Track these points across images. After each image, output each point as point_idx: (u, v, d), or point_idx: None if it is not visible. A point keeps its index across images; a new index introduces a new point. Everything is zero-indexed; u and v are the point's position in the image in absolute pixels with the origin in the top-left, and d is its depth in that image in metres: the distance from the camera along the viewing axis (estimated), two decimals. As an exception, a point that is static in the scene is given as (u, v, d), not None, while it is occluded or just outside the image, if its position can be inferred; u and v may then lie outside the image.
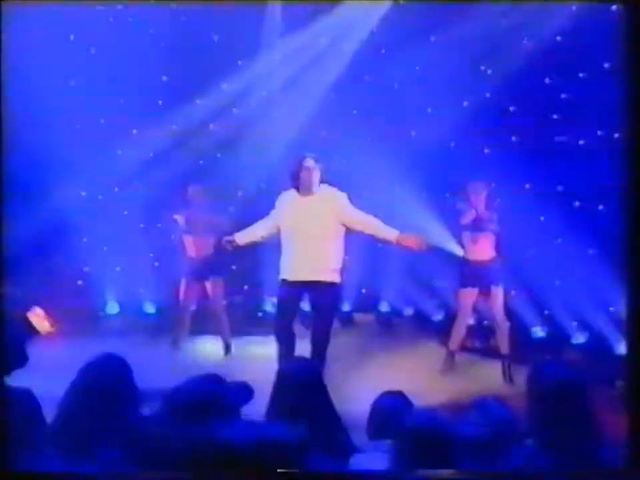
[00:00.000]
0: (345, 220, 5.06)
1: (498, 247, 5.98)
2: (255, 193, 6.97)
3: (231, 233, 5.45)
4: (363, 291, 7.22)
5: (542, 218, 6.40)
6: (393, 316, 7.33)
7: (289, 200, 5.13)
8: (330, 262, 5.07)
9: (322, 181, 5.09)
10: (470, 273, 5.97)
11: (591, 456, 2.50)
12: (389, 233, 5.05)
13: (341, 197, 5.10)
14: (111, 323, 7.13)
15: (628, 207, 5.39)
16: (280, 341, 5.11)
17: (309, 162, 5.05)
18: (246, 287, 7.43)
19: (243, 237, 5.29)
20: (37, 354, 5.31)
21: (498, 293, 5.94)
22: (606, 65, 6.11)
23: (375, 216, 5.12)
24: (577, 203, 6.38)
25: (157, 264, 7.31)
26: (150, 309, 7.36)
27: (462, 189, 5.92)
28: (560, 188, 6.44)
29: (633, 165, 5.59)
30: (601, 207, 6.26)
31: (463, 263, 6.05)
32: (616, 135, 6.08)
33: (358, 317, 7.30)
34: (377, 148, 6.62)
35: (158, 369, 5.26)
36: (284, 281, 5.16)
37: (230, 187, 7.13)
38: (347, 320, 7.07)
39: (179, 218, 6.15)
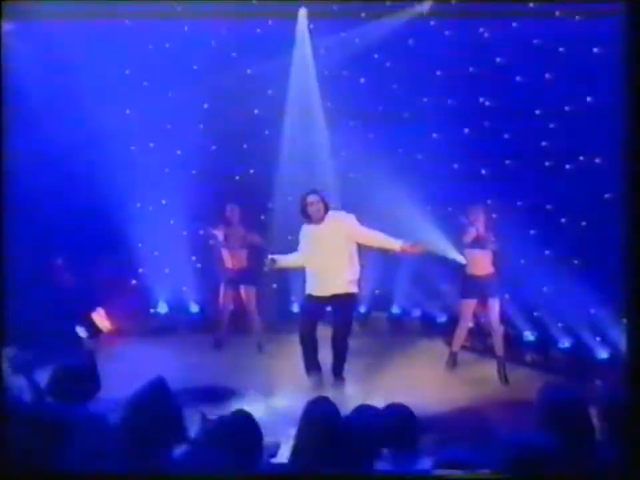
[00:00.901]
0: (355, 237, 5.81)
1: (495, 263, 6.62)
2: (283, 204, 7.74)
3: (262, 249, 6.43)
4: (377, 291, 7.95)
5: (532, 232, 7.17)
6: (402, 317, 8.06)
7: (306, 232, 5.91)
8: (347, 275, 5.78)
9: (329, 208, 5.85)
10: (470, 286, 6.59)
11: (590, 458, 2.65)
12: (393, 244, 5.77)
13: (349, 218, 5.83)
14: (161, 321, 8.00)
15: (609, 222, 6.32)
16: (305, 346, 5.79)
17: (313, 197, 5.80)
18: (275, 286, 8.19)
19: (280, 262, 5.95)
20: (100, 351, 6.40)
21: (494, 303, 6.57)
22: (589, 99, 6.94)
23: (388, 229, 5.89)
24: (562, 220, 7.15)
25: (199, 265, 8.18)
26: (194, 308, 8.25)
27: (464, 211, 6.57)
28: (548, 206, 7.21)
29: (611, 186, 6.51)
30: (583, 223, 7.04)
31: (464, 276, 6.67)
32: (597, 160, 6.95)
33: (372, 317, 8.06)
34: (389, 170, 7.42)
35: (201, 365, 6.32)
36: (310, 295, 5.87)
37: (262, 199, 8.08)
38: (364, 320, 7.83)
39: (218, 233, 7.02)
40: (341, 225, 5.80)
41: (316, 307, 5.85)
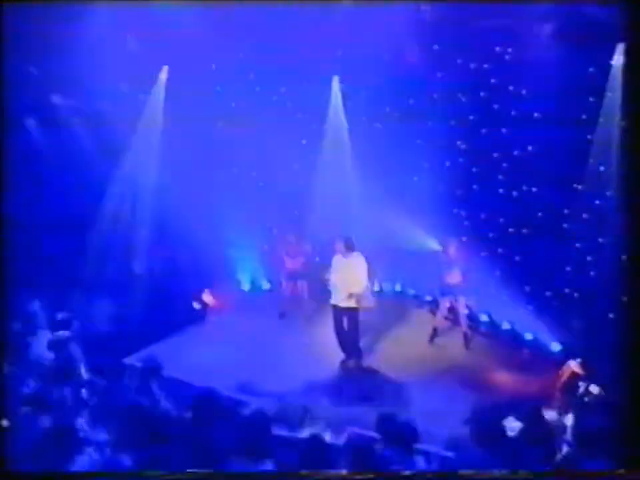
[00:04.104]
0: (357, 273, 8.74)
1: (463, 275, 9.70)
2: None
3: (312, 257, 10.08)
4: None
5: (491, 234, 10.44)
6: (402, 293, 11.42)
7: (336, 260, 8.88)
8: (355, 295, 8.68)
9: (354, 249, 8.69)
10: (446, 290, 9.85)
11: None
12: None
13: (363, 263, 8.67)
14: (245, 296, 11.39)
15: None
16: (337, 335, 9.00)
17: (338, 243, 8.71)
18: (318, 259, 10.97)
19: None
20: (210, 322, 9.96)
21: (462, 300, 9.85)
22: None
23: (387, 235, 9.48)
24: (512, 229, 10.20)
25: (265, 247, 11.58)
26: (266, 285, 11.70)
27: (442, 241, 9.86)
28: (501, 219, 10.33)
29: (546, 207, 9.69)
30: (524, 231, 10.14)
31: (442, 284, 9.82)
32: (544, 188, 9.86)
33: (381, 292, 11.16)
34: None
35: (270, 328, 9.82)
36: (334, 305, 8.91)
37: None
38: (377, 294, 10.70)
39: (282, 248, 10.53)
40: (357, 264, 8.77)
41: (340, 313, 8.99)
